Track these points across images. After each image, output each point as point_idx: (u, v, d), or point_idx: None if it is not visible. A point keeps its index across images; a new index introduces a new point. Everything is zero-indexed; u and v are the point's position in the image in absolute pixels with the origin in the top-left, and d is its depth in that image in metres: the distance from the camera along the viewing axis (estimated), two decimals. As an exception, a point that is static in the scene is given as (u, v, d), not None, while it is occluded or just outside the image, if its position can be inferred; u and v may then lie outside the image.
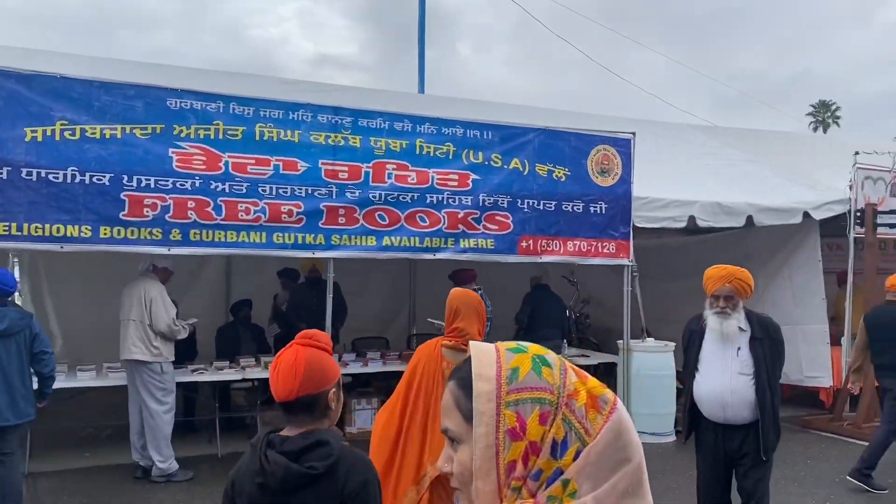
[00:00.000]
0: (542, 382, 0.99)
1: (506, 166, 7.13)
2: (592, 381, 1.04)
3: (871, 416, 8.10)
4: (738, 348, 4.04)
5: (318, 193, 6.31)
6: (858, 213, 8.40)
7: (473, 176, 6.97)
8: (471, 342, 1.10)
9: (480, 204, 6.98)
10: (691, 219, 8.07)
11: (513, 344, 1.07)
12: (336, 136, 6.40)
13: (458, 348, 3.38)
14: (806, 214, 8.50)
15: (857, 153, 8.61)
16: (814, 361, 8.77)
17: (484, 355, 1.04)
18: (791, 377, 9.08)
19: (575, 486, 0.96)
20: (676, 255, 10.76)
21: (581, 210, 7.50)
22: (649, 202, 7.92)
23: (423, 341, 3.76)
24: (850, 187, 8.55)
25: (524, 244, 7.20)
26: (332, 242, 6.35)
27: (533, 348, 1.05)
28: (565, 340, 8.86)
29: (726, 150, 10.80)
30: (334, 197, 6.35)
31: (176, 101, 5.97)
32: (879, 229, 8.32)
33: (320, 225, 6.31)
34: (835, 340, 8.88)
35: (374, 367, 7.35)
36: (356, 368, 7.25)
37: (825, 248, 10.51)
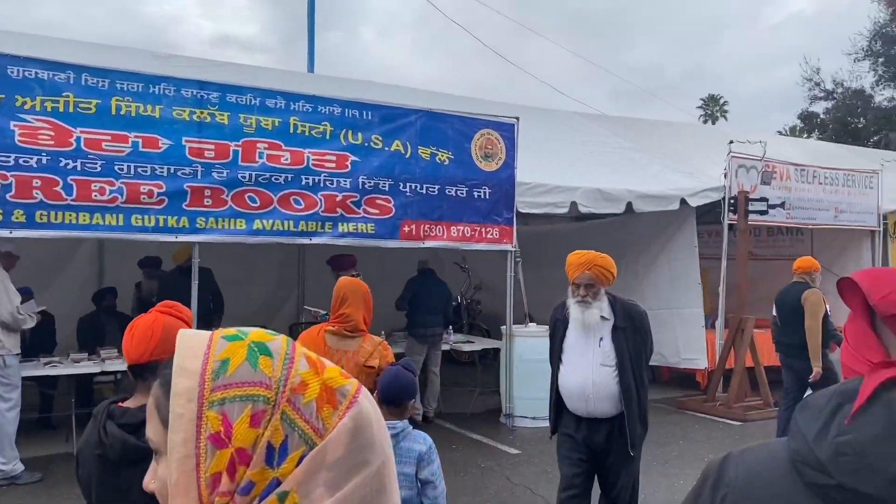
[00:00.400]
0: (258, 376, 0.81)
1: (387, 148, 6.94)
2: (331, 371, 0.86)
3: (742, 396, 8.43)
4: (601, 338, 3.81)
5: (182, 173, 5.92)
6: (732, 201, 8.69)
7: (352, 157, 6.74)
8: (180, 330, 0.91)
9: (360, 187, 6.76)
10: (573, 205, 8.13)
11: (232, 330, 0.87)
12: (201, 112, 6.02)
13: (340, 333, 3.47)
14: (683, 201, 8.73)
15: (731, 142, 8.89)
16: (690, 344, 9.06)
17: (191, 346, 0.84)
18: (669, 359, 9.37)
19: (295, 499, 0.78)
20: (563, 242, 10.84)
21: (465, 195, 7.40)
22: (533, 187, 7.91)
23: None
24: (725, 175, 8.83)
25: (406, 229, 7.04)
26: (197, 226, 5.99)
27: (254, 334, 0.86)
28: (451, 327, 8.78)
29: (612, 139, 10.99)
30: (199, 177, 5.98)
31: (19, 70, 5.45)
32: (750, 216, 8.63)
33: (184, 207, 5.93)
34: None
35: (247, 356, 7.00)
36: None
37: (705, 234, 10.90)
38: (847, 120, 28.89)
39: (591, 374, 3.79)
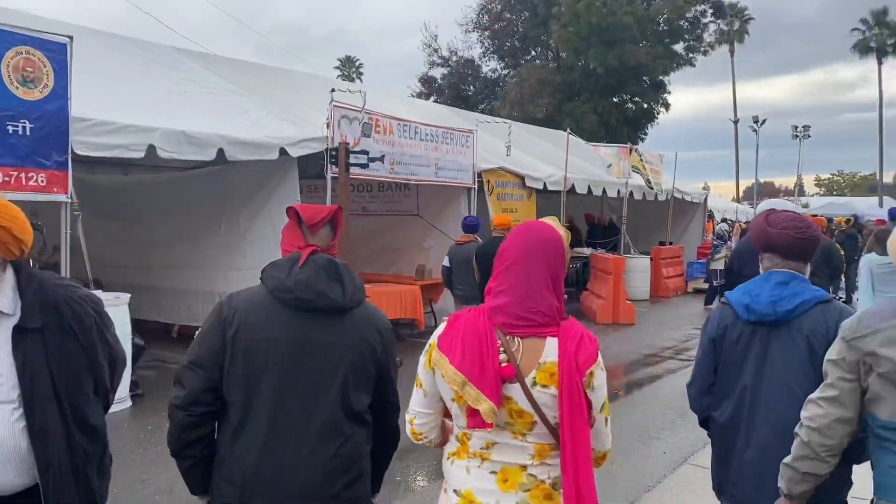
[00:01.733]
0: None
1: None
2: None
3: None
4: None
5: None
6: (333, 152, 8.26)
7: None
8: None
9: None
10: (151, 148, 6.92)
11: None
12: None
13: None
14: (283, 151, 8.05)
15: (333, 90, 8.43)
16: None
17: None
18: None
19: None
20: (151, 194, 9.61)
21: (-6, 129, 5.75)
22: (96, 125, 6.52)
23: None
24: (327, 125, 8.35)
25: None
26: None
27: None
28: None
29: (215, 80, 9.90)
30: None
31: None
32: (352, 169, 8.31)
33: None
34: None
35: None
36: None
37: (321, 188, 10.42)
38: (460, 87, 31.43)
39: None
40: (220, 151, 7.48)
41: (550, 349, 1.93)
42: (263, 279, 2.17)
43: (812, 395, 2.22)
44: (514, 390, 1.92)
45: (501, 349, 1.93)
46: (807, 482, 2.23)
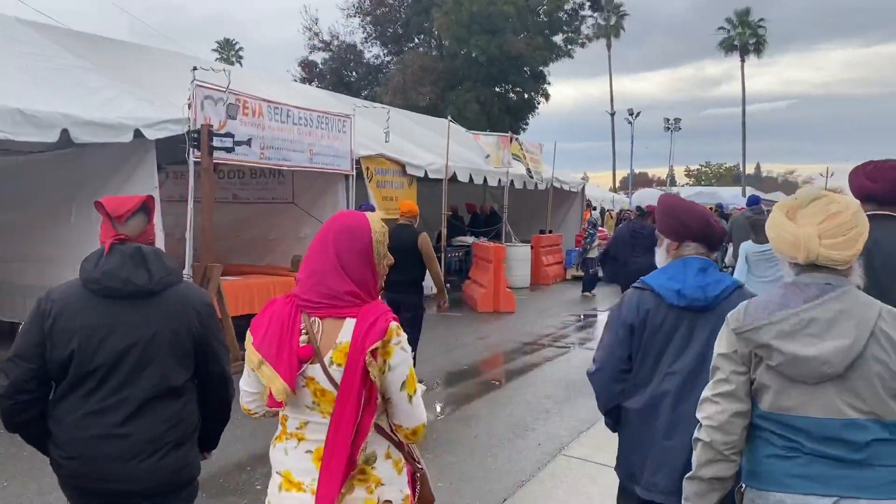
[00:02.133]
0: None
1: None
2: None
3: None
4: None
5: None
6: (195, 135, 7.68)
7: None
8: None
9: None
10: (-19, 128, 6.17)
11: None
12: None
13: None
14: (138, 133, 7.41)
15: (195, 69, 7.84)
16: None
17: None
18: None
19: None
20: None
21: None
22: None
23: None
24: (189, 106, 7.76)
25: None
26: None
27: None
28: None
29: (63, 55, 9.00)
30: None
31: None
32: (216, 153, 7.76)
33: None
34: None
35: None
36: None
37: (184, 174, 9.76)
38: (342, 72, 30.77)
39: None
40: (65, 133, 6.78)
41: (347, 330, 2.03)
42: (79, 272, 2.40)
43: (705, 394, 2.13)
44: (316, 370, 2.02)
45: (304, 331, 2.03)
46: (714, 490, 2.13)
